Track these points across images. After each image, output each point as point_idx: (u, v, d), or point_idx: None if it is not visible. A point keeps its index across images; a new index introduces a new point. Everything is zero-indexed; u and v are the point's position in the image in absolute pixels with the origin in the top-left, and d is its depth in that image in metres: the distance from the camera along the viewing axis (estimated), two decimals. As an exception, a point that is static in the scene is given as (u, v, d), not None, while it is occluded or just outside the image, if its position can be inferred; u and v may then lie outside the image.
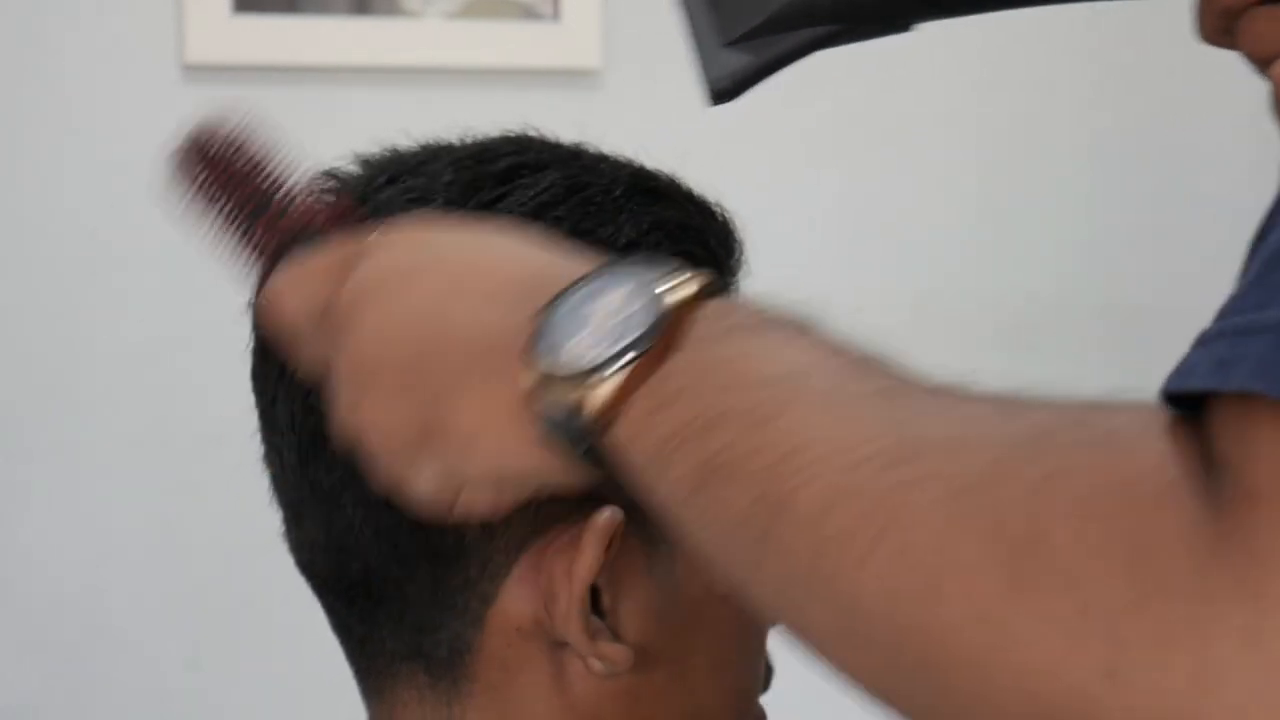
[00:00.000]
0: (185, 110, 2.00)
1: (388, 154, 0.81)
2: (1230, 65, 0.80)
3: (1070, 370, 2.04)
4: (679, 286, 0.62)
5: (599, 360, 0.61)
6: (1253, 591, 0.46)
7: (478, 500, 0.69)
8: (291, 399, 0.77)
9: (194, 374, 1.84)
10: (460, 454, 0.67)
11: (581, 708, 0.78)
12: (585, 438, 0.62)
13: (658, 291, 0.62)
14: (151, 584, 1.89)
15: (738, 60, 0.77)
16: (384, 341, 0.69)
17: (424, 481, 0.68)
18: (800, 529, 0.54)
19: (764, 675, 0.84)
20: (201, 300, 1.82)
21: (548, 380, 0.63)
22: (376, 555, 0.77)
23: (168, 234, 1.90)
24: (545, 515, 0.75)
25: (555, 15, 1.94)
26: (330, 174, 0.81)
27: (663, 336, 0.61)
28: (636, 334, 0.61)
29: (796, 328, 0.62)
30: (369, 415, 0.69)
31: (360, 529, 0.77)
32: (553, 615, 0.76)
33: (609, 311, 0.62)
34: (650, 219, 0.78)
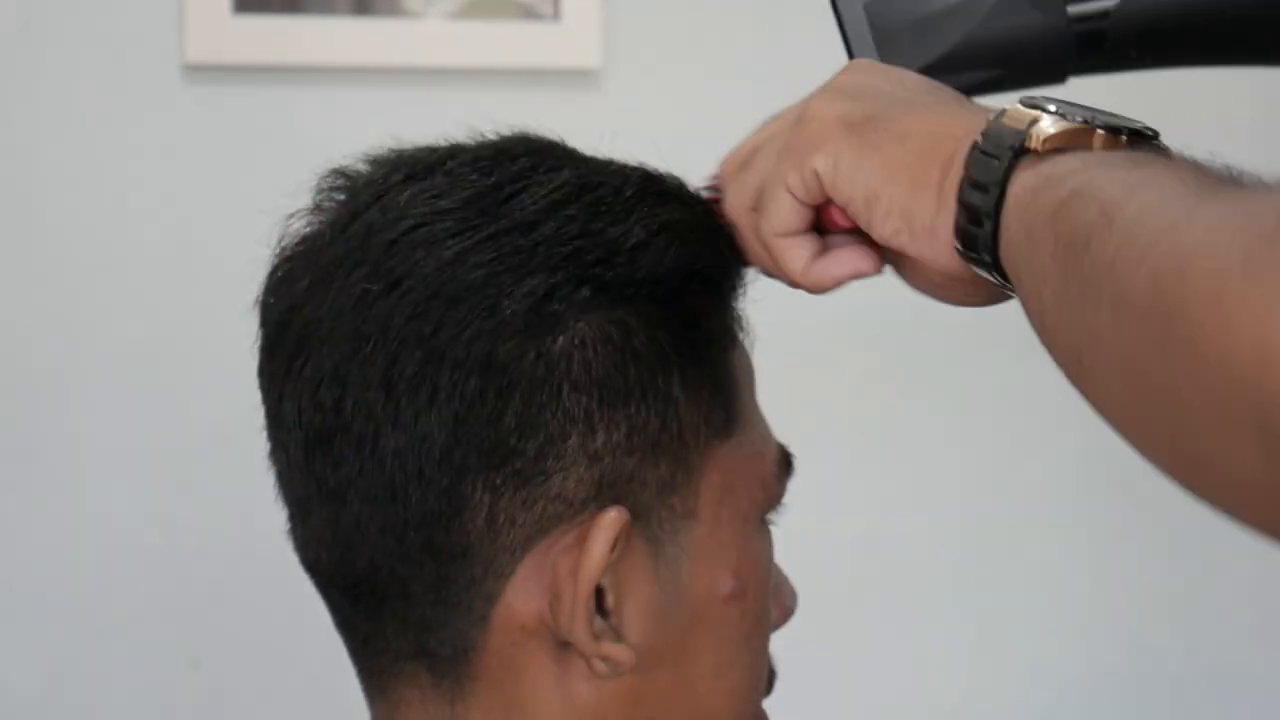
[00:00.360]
0: (185, 110, 2.01)
1: (397, 154, 0.82)
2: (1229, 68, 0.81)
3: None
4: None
5: (1073, 109, 0.69)
6: None
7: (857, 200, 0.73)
8: (299, 395, 0.78)
9: (196, 373, 1.84)
10: (881, 147, 0.72)
11: (584, 708, 0.78)
12: (1009, 154, 0.67)
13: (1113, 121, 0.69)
14: (154, 583, 1.89)
15: None
16: (865, 81, 0.77)
17: (822, 162, 0.74)
18: (1108, 240, 0.59)
19: (767, 679, 0.84)
20: (203, 300, 1.82)
21: (1018, 104, 0.69)
22: (382, 552, 0.77)
23: (168, 233, 1.90)
24: (550, 514, 0.76)
25: (555, 15, 1.94)
26: (340, 172, 0.82)
27: (1110, 132, 0.68)
28: (1105, 115, 0.69)
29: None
30: (820, 101, 0.76)
31: (366, 525, 0.77)
32: (557, 615, 0.76)
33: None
34: (660, 220, 0.78)
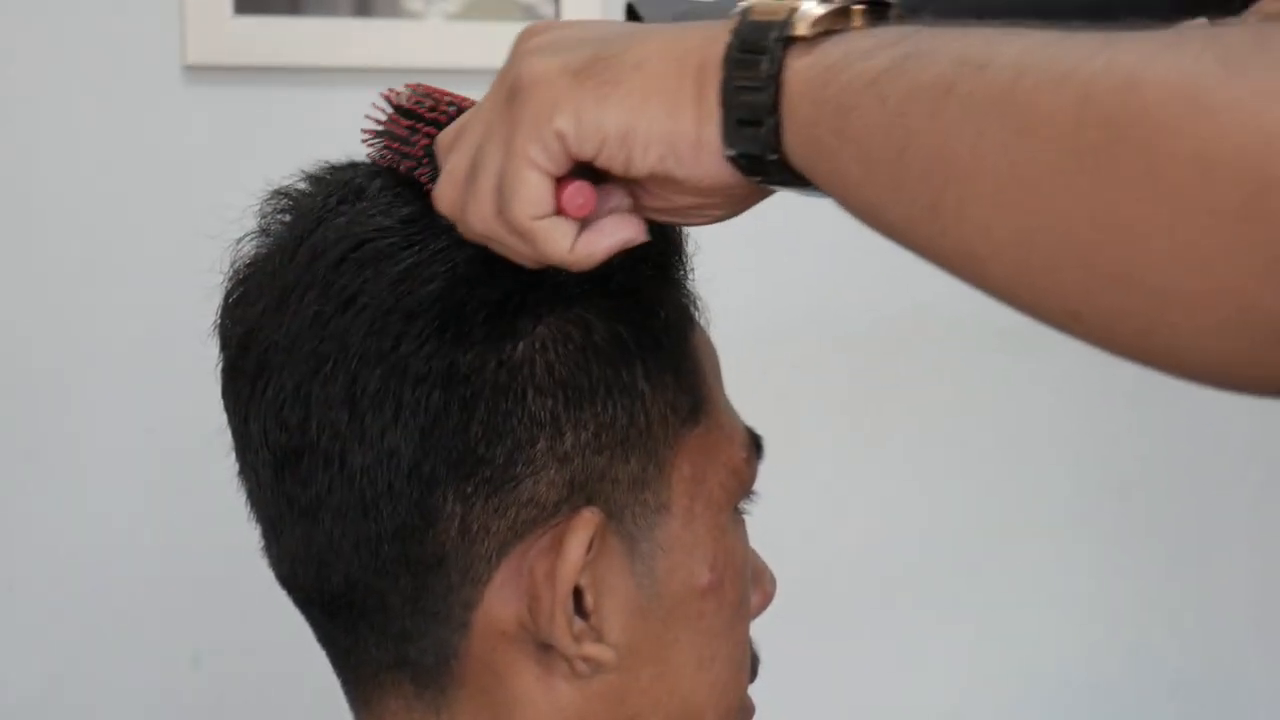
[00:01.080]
0: (186, 111, 2.00)
1: (330, 173, 0.82)
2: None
3: (1071, 372, 2.04)
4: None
5: None
6: None
7: (613, 153, 0.68)
8: (264, 416, 0.78)
9: (196, 372, 1.84)
10: (618, 84, 0.68)
11: (568, 709, 0.78)
12: (777, 46, 0.64)
13: None
14: (154, 583, 1.89)
15: None
16: (561, 31, 0.72)
17: (564, 123, 0.68)
18: (988, 79, 0.57)
19: (751, 667, 0.84)
20: (203, 299, 1.82)
21: (758, 6, 0.66)
22: (357, 566, 0.77)
23: (168, 233, 1.90)
24: (524, 519, 0.76)
25: (556, 16, 1.94)
26: (282, 193, 0.82)
27: (868, 8, 0.65)
28: None
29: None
30: (525, 64, 0.70)
31: (339, 541, 0.77)
32: (536, 618, 0.76)
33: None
34: None
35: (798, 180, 0.66)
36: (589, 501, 0.76)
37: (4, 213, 1.84)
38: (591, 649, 0.76)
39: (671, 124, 0.67)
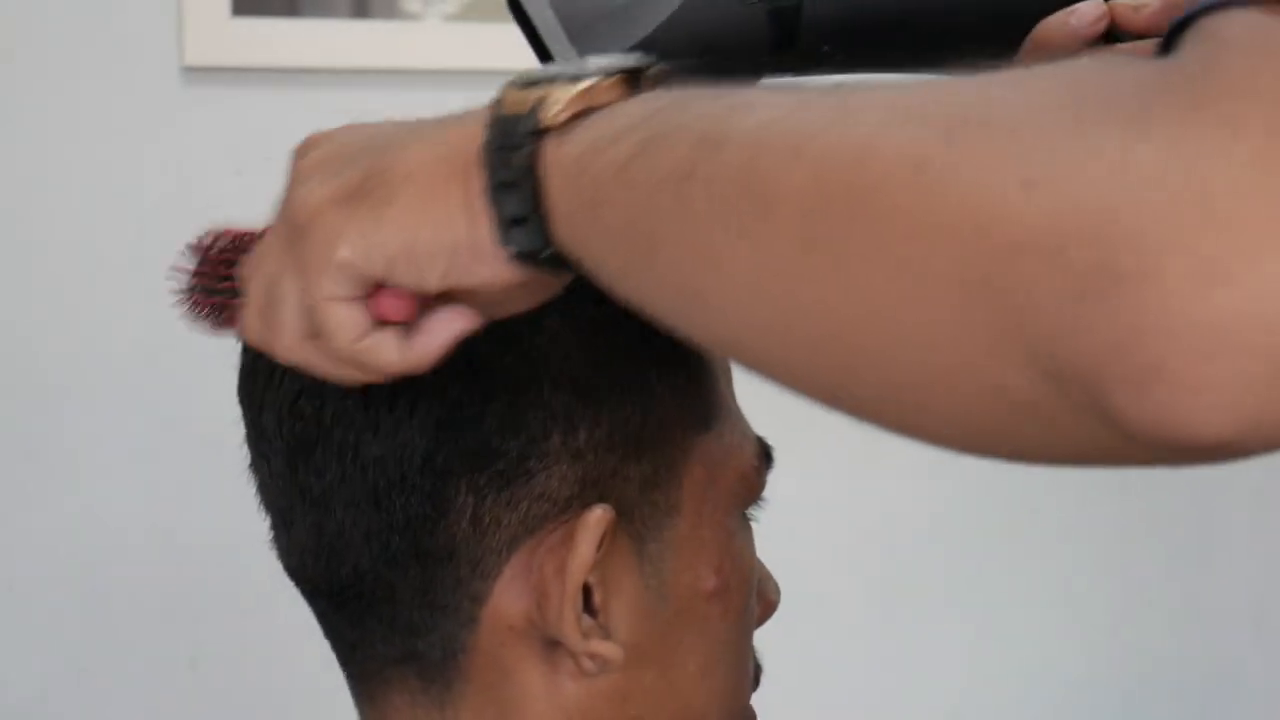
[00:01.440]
0: (185, 112, 2.00)
1: None
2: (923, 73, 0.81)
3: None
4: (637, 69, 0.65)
5: (567, 72, 0.64)
6: (1200, 105, 0.46)
7: (396, 272, 0.66)
8: (279, 405, 0.78)
9: (195, 374, 1.84)
10: (391, 201, 0.65)
11: (573, 706, 0.78)
12: (529, 140, 0.62)
13: (611, 65, 0.64)
14: (152, 584, 1.89)
15: None
16: (334, 146, 0.69)
17: (346, 252, 0.66)
18: (724, 160, 0.55)
19: (754, 675, 0.84)
20: (201, 301, 1.82)
21: (510, 90, 0.64)
22: (367, 557, 0.77)
23: (168, 234, 1.90)
24: (535, 514, 0.76)
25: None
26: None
27: (624, 77, 0.63)
28: (605, 62, 0.64)
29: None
30: (302, 191, 0.68)
31: (350, 532, 0.77)
32: (545, 613, 0.76)
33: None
34: None
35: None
36: (600, 499, 0.76)
37: (3, 214, 1.84)
38: (599, 646, 0.77)
39: (448, 234, 0.65)
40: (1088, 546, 2.14)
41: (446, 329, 0.69)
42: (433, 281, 0.66)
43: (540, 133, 0.63)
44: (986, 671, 2.14)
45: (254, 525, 0.83)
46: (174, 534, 1.89)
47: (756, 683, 0.84)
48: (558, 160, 0.62)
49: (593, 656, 0.77)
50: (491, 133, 0.64)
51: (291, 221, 0.68)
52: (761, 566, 0.85)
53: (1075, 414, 0.48)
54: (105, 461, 1.87)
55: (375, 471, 0.76)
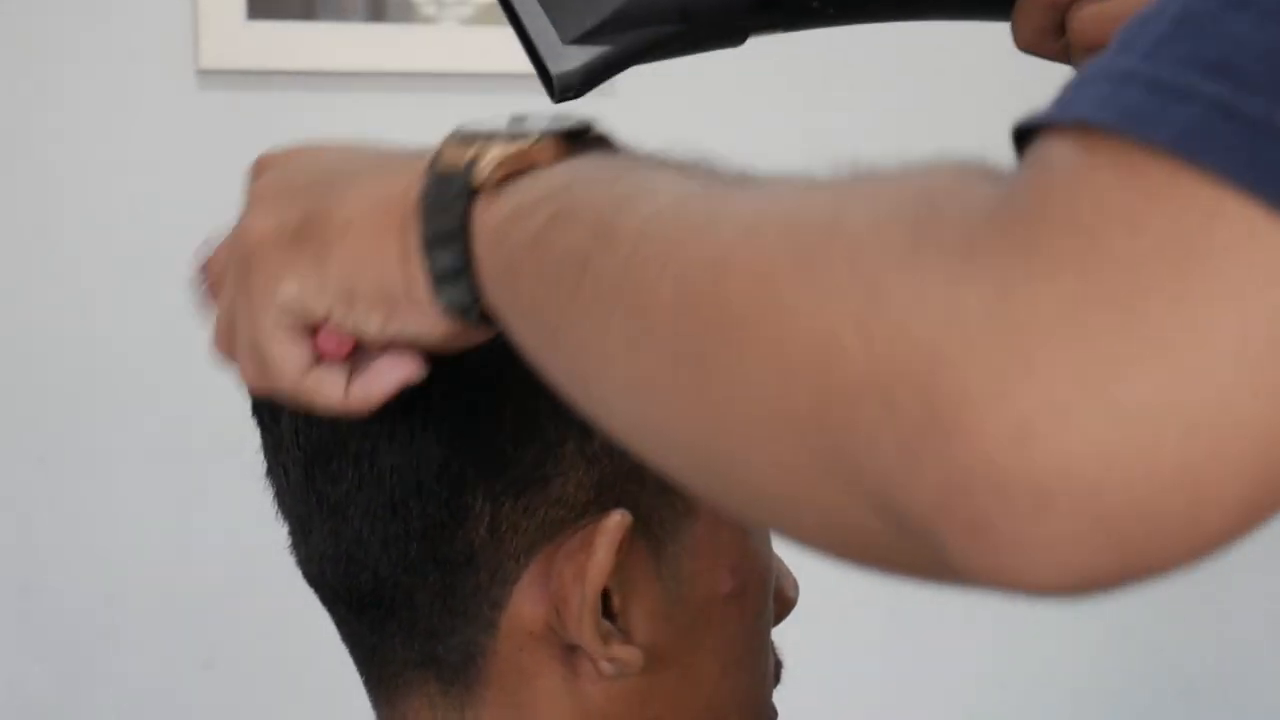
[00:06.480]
0: (200, 115, 2.01)
1: None
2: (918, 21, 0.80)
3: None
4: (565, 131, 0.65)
5: (505, 131, 0.64)
6: (1020, 245, 0.45)
7: (337, 318, 0.67)
8: (295, 414, 0.78)
9: (210, 377, 1.85)
10: (331, 246, 0.66)
11: (593, 710, 0.78)
12: (460, 199, 0.63)
13: (549, 127, 0.65)
14: (166, 585, 1.90)
15: (585, 55, 0.77)
16: (282, 176, 0.70)
17: (287, 291, 0.67)
18: (612, 257, 0.55)
19: (774, 671, 0.84)
20: (216, 304, 1.83)
21: (450, 143, 0.65)
22: (386, 564, 0.77)
23: (183, 237, 1.91)
24: (553, 519, 0.76)
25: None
26: None
27: (560, 138, 0.64)
28: (545, 123, 0.64)
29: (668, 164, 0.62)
30: (251, 220, 0.69)
31: (368, 539, 0.77)
32: (564, 618, 0.76)
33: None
34: None
35: None
36: (617, 503, 0.76)
37: (21, 216, 1.84)
38: (619, 650, 0.77)
39: (385, 285, 0.66)
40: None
41: (390, 375, 0.70)
42: (372, 330, 0.67)
43: (472, 192, 0.63)
44: (997, 674, 2.14)
45: (269, 528, 0.83)
46: (187, 536, 1.89)
47: (777, 679, 0.85)
48: (484, 223, 0.62)
49: (612, 660, 0.77)
50: (427, 186, 0.64)
51: (242, 249, 0.69)
52: (780, 563, 0.85)
53: (919, 552, 0.47)
54: (119, 465, 1.87)
55: (392, 479, 0.76)
